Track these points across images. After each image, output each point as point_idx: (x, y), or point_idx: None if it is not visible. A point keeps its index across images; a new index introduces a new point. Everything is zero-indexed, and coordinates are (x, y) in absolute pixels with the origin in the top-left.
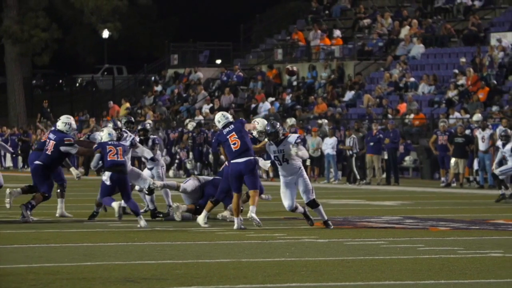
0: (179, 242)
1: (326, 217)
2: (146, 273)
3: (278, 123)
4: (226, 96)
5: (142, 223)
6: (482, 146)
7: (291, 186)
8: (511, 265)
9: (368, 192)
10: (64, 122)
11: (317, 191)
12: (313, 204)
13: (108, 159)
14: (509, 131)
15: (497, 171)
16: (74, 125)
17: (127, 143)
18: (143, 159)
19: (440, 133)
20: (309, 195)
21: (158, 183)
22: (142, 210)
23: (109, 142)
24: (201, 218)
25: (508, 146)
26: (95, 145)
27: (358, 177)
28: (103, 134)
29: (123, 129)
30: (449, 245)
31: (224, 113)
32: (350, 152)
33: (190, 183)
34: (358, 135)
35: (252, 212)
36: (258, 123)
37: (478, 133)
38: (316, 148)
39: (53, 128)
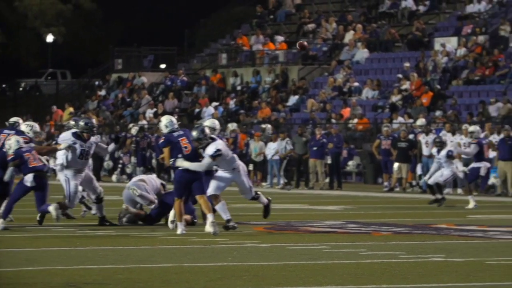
0: (121, 247)
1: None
2: (88, 278)
3: (207, 129)
4: (170, 100)
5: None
6: (425, 151)
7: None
8: (453, 269)
9: (311, 197)
10: (28, 124)
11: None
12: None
13: (30, 166)
14: (443, 137)
15: (431, 181)
16: (37, 128)
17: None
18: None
19: (384, 138)
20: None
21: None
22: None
23: (24, 149)
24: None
25: (443, 152)
26: (12, 156)
27: (283, 180)
28: (11, 143)
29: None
30: (391, 249)
31: (172, 118)
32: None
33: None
34: (301, 140)
35: (210, 221)
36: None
37: (422, 138)
38: (259, 153)
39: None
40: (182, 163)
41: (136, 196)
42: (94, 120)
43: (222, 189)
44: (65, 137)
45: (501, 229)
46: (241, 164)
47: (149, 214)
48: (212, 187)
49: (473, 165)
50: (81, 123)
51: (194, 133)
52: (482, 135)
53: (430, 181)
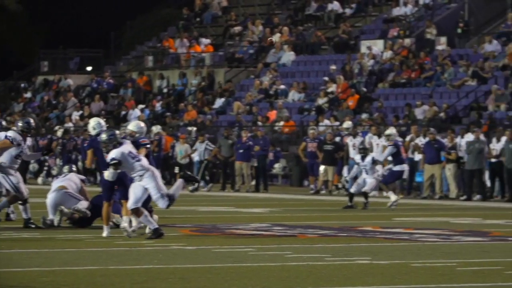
0: (46, 250)
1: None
2: (12, 281)
3: (117, 132)
4: (96, 103)
5: None
6: (353, 153)
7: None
8: (378, 272)
9: (237, 199)
10: None
11: (186, 198)
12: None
13: None
14: (366, 143)
15: (353, 189)
16: None
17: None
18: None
19: (310, 140)
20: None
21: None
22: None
23: None
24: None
25: (368, 158)
26: None
27: (198, 183)
28: None
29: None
30: (317, 252)
31: (100, 120)
32: (200, 158)
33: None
34: (227, 142)
35: (124, 223)
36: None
37: (349, 140)
38: (184, 156)
39: None
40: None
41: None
42: (32, 120)
43: (142, 200)
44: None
45: (427, 231)
46: (152, 170)
47: (82, 217)
48: (131, 201)
49: (392, 167)
50: (20, 123)
51: (103, 136)
52: (408, 138)
53: (353, 190)
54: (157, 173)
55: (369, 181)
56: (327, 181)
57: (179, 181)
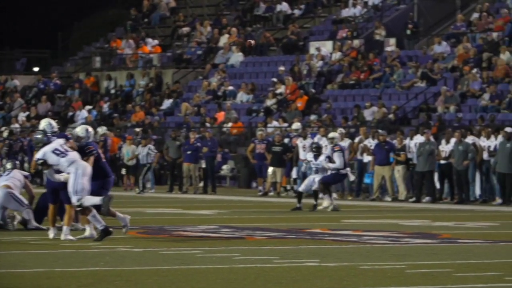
0: None
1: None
2: None
3: (49, 130)
4: (43, 104)
5: None
6: (302, 155)
7: None
8: (327, 274)
9: (184, 201)
10: None
11: (133, 200)
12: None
13: None
14: (320, 143)
15: (302, 188)
16: None
17: None
18: None
19: (258, 142)
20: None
21: None
22: None
23: None
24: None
25: (321, 158)
26: None
27: (141, 187)
28: None
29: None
30: (265, 254)
31: (51, 121)
32: (142, 162)
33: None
34: (174, 144)
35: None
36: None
37: (299, 142)
38: (131, 157)
39: None
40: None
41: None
42: None
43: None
44: None
45: (376, 233)
46: (79, 165)
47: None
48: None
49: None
50: None
51: (35, 136)
52: (357, 139)
53: (301, 189)
54: (86, 170)
55: (318, 179)
56: (275, 183)
57: (97, 199)
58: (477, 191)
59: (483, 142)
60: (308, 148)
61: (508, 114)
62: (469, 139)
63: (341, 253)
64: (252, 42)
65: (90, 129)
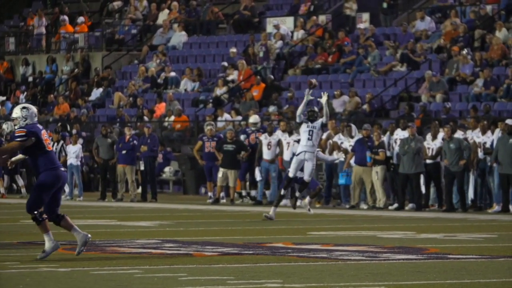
0: None
1: None
2: None
3: None
4: None
5: None
6: (267, 154)
7: None
8: None
9: (119, 211)
10: None
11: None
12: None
13: None
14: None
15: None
16: None
17: None
18: None
19: (207, 139)
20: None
21: None
22: None
23: None
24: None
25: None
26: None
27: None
28: None
29: None
30: (217, 274)
31: None
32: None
33: None
34: (106, 142)
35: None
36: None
37: (264, 138)
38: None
39: None
40: None
41: None
42: None
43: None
44: None
45: (349, 248)
46: None
47: None
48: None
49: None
50: None
51: None
52: (325, 135)
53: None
54: None
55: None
56: (227, 188)
57: None
58: (470, 196)
59: (477, 137)
60: (274, 145)
61: (506, 103)
62: (458, 134)
63: (308, 272)
64: (313, 81)
65: (5, 126)
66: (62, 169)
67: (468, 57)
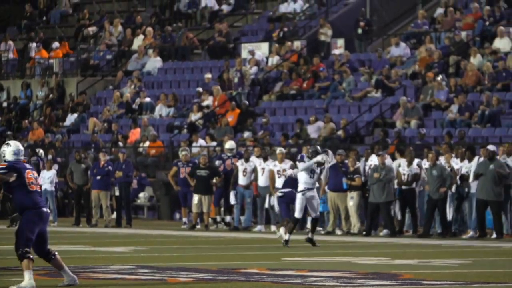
0: None
1: None
2: None
3: None
4: None
5: None
6: (242, 180)
7: None
8: None
9: (94, 236)
10: None
11: None
12: None
13: None
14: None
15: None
16: None
17: None
18: None
19: (182, 165)
20: None
21: None
22: None
23: None
24: None
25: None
26: None
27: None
28: None
29: None
30: None
31: None
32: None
33: None
34: (80, 167)
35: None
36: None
37: (240, 164)
38: None
39: None
40: None
41: None
42: None
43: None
44: None
45: (324, 274)
46: None
47: None
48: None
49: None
50: None
51: None
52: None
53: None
54: None
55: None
56: (202, 214)
57: None
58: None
59: (456, 164)
60: (250, 172)
61: (481, 129)
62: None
63: None
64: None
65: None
66: (45, 209)
67: (443, 83)
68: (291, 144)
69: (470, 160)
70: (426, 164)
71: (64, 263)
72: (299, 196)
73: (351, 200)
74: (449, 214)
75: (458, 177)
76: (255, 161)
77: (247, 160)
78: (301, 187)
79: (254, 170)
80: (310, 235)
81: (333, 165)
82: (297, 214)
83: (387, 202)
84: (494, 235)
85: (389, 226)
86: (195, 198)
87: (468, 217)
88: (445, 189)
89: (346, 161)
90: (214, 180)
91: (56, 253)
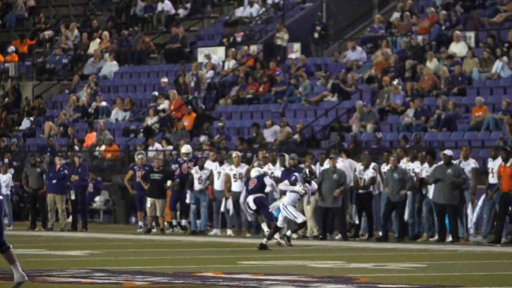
0: None
1: None
2: None
3: None
4: None
5: None
6: (198, 186)
7: None
8: None
9: (49, 240)
10: None
11: None
12: None
13: None
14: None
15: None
16: None
17: None
18: None
19: (138, 168)
20: None
21: None
22: None
23: None
24: None
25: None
26: None
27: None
28: None
29: None
30: None
31: None
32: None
33: None
34: (35, 171)
35: None
36: None
37: (195, 172)
38: None
39: None
40: None
41: None
42: None
43: None
44: None
45: (279, 277)
46: None
47: None
48: None
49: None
50: None
51: None
52: (256, 164)
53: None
54: None
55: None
56: (157, 217)
57: None
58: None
59: (417, 168)
60: (205, 180)
61: (437, 133)
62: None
63: None
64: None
65: None
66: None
67: (399, 87)
68: (247, 148)
69: (430, 164)
70: (385, 167)
71: (23, 265)
72: (287, 206)
73: (308, 204)
74: (406, 216)
75: (417, 180)
76: (210, 165)
77: (201, 168)
78: (287, 200)
79: (210, 175)
80: (288, 232)
81: (285, 169)
82: (300, 219)
83: (338, 207)
84: (450, 239)
85: (342, 231)
86: (149, 201)
87: (425, 221)
88: (405, 192)
89: (301, 165)
90: (168, 184)
91: (11, 246)
